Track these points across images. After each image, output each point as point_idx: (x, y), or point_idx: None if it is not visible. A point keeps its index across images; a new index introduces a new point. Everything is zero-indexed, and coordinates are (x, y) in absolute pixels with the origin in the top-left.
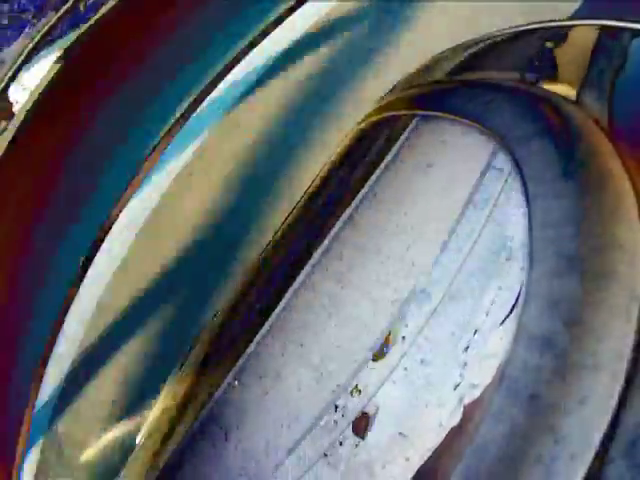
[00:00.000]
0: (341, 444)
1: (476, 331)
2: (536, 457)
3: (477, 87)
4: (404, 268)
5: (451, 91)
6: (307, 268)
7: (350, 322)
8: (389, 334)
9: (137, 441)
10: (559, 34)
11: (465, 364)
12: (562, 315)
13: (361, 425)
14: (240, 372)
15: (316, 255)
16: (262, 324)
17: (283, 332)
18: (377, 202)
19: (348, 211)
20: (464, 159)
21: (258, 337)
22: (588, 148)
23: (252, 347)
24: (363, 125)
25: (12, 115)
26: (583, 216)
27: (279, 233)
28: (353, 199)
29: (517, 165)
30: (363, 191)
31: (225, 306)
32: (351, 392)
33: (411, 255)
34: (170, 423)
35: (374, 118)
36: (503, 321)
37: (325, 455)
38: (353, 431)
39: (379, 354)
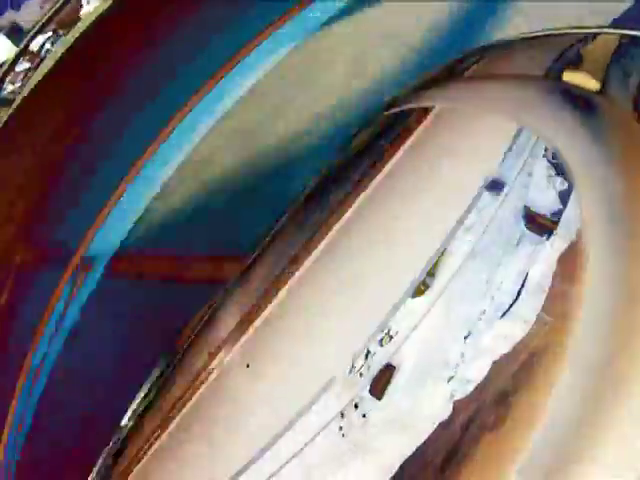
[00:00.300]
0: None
1: (481, 315)
2: (618, 422)
3: (510, 82)
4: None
5: (484, 85)
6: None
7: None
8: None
9: (123, 422)
10: (585, 38)
11: (462, 355)
12: (621, 288)
13: (382, 381)
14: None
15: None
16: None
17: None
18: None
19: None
20: (483, 147)
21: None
22: (625, 137)
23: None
24: (383, 116)
25: (78, 20)
26: (629, 198)
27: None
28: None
29: (559, 155)
30: (388, 167)
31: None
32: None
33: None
34: (162, 404)
35: (397, 109)
36: (505, 313)
37: (342, 415)
38: (370, 392)
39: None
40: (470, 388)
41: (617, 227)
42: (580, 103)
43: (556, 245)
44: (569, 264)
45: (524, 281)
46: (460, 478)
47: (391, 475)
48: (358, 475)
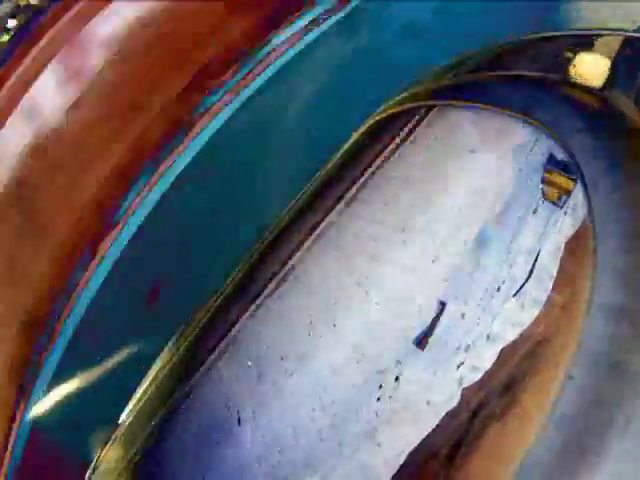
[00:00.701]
0: (397, 379)
1: (498, 289)
2: (625, 421)
3: (518, 82)
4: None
5: (492, 84)
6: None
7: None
8: None
9: (121, 419)
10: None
11: (471, 346)
12: (633, 286)
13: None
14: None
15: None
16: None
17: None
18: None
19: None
20: (498, 142)
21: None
22: (630, 135)
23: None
24: (384, 115)
25: None
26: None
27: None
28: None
29: (571, 155)
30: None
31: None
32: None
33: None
34: (160, 400)
35: (402, 107)
36: (518, 291)
37: (380, 387)
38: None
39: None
40: (478, 376)
41: (625, 227)
42: (587, 100)
43: (564, 227)
44: (575, 249)
45: (535, 261)
46: (467, 468)
47: (400, 464)
48: (364, 464)
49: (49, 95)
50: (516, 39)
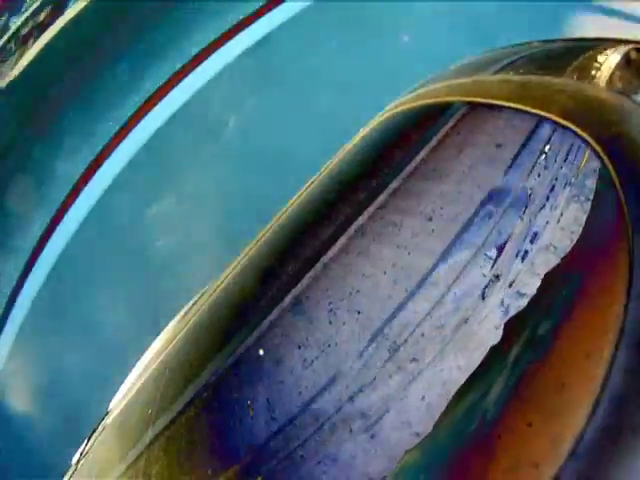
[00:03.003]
0: None
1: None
2: None
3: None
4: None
5: (515, 83)
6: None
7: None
8: None
9: (110, 407)
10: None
11: (525, 254)
12: None
13: None
14: None
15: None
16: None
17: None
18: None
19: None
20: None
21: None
22: None
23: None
24: (397, 110)
25: None
26: None
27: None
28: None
29: (601, 158)
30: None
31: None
32: None
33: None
34: (158, 391)
35: (418, 103)
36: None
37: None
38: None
39: None
40: (524, 303)
41: None
42: (616, 103)
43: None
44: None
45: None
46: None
47: (449, 399)
48: (396, 454)
49: None
50: (537, 43)
